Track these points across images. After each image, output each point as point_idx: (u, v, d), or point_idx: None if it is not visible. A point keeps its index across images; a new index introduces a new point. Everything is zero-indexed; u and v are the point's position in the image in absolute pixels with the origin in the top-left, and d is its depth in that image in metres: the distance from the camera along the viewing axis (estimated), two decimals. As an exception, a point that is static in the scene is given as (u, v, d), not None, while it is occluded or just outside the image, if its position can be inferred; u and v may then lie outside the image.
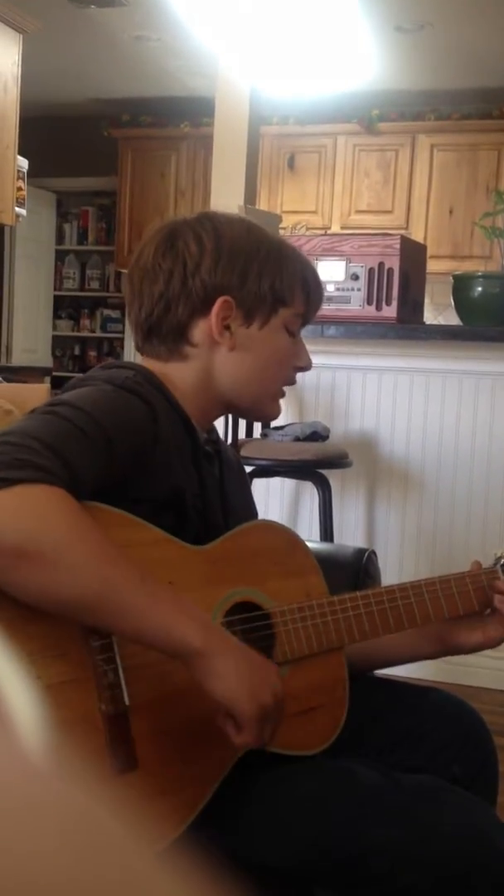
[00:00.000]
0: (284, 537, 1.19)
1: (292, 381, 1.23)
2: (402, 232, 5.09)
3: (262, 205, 6.12)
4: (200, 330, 1.14)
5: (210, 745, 1.00)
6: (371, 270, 2.88)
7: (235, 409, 1.26)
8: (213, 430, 1.26)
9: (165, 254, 1.14)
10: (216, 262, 1.13)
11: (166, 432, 1.08)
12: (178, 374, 1.15)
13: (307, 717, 1.11)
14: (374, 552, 1.62)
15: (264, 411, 1.23)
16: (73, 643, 0.94)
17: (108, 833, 0.23)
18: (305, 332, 1.24)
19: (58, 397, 1.05)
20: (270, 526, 1.19)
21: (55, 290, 7.42)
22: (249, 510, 1.31)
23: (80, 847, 0.21)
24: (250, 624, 1.09)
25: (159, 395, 1.10)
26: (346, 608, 1.15)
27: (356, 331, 2.90)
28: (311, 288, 1.20)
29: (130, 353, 7.22)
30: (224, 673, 0.93)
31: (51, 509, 0.90)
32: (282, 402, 1.25)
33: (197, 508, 1.12)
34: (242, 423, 2.93)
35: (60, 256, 7.44)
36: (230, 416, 2.75)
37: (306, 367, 1.22)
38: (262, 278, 1.14)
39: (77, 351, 7.55)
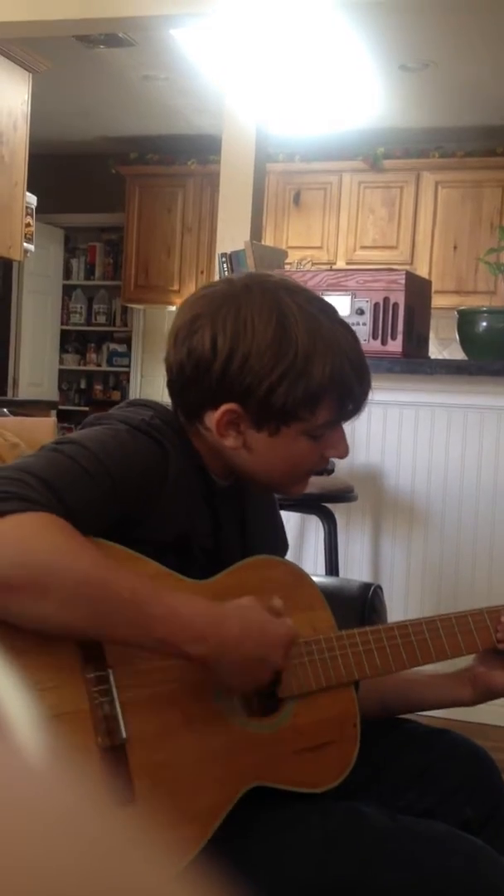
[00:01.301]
0: (288, 571, 1.17)
1: (321, 467, 1.17)
2: (407, 267, 5.14)
3: (268, 240, 6.17)
4: (210, 419, 1.10)
5: (212, 780, 0.99)
6: (376, 305, 2.89)
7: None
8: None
9: (185, 340, 1.09)
10: (224, 370, 1.06)
11: (176, 475, 1.07)
12: (197, 437, 1.14)
13: (316, 754, 1.09)
14: (379, 587, 1.61)
15: (281, 493, 1.20)
16: (69, 675, 0.94)
17: (120, 847, 0.22)
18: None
19: (67, 435, 1.05)
20: (274, 561, 1.18)
21: (62, 324, 7.47)
22: (276, 546, 1.28)
23: (92, 861, 0.21)
24: None
25: (176, 438, 1.09)
26: (356, 643, 1.13)
27: (361, 365, 2.90)
28: (348, 387, 1.09)
29: (137, 387, 7.24)
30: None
31: (35, 536, 0.91)
32: None
33: (207, 550, 1.11)
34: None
35: (67, 291, 7.49)
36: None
37: (339, 458, 1.15)
38: (273, 395, 1.05)
39: (83, 385, 7.58)
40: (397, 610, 2.95)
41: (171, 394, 1.15)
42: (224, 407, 1.07)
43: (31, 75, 4.80)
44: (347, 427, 1.15)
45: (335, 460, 2.89)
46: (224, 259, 3.66)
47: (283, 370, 1.05)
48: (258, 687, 1.01)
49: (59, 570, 0.90)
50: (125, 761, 0.95)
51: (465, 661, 1.25)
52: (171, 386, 1.14)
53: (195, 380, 1.09)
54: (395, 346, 2.89)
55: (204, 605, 0.98)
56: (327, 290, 2.93)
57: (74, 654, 0.95)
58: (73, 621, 0.91)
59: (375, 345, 2.89)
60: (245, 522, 1.21)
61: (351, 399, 1.11)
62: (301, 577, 1.17)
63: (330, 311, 1.11)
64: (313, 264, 5.87)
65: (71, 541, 0.92)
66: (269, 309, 1.06)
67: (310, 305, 1.09)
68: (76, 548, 0.92)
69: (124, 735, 0.95)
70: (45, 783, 0.24)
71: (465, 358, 3.04)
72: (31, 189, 5.00)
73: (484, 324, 2.98)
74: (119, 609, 0.92)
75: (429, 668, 1.21)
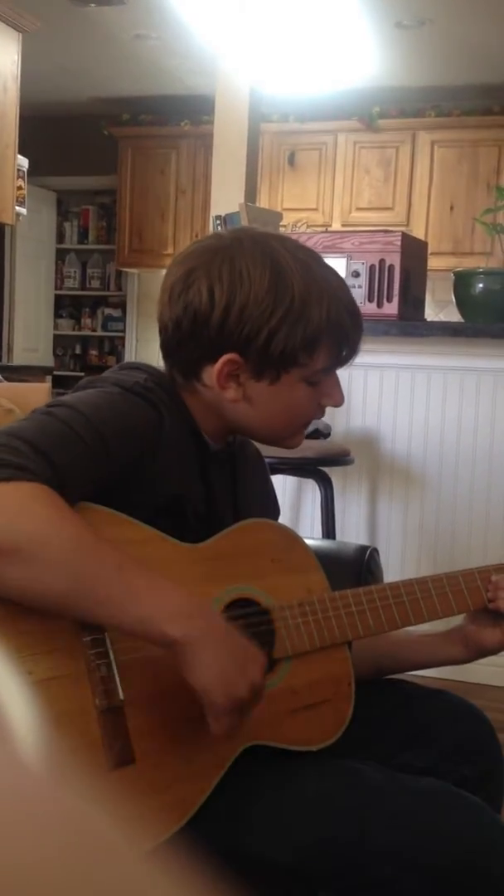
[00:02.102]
0: (282, 535, 1.17)
1: (318, 417, 1.19)
2: (403, 229, 5.09)
3: (263, 202, 6.12)
4: (209, 374, 1.10)
5: (210, 739, 1.00)
6: (372, 267, 2.88)
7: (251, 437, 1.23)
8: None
9: (180, 295, 1.09)
10: (223, 321, 1.06)
11: (171, 439, 1.06)
12: (192, 397, 1.13)
13: (311, 712, 1.10)
14: (376, 550, 1.61)
15: (280, 445, 1.20)
16: (65, 638, 0.94)
17: (104, 838, 0.22)
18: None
19: (59, 398, 1.04)
20: (267, 524, 1.18)
21: (56, 289, 7.42)
22: (267, 510, 1.28)
23: (76, 853, 0.21)
24: (249, 619, 1.08)
25: (170, 400, 1.09)
26: (349, 604, 1.14)
27: (357, 328, 2.89)
28: (344, 331, 1.11)
29: (132, 352, 7.22)
30: (201, 664, 0.92)
31: (26, 505, 0.90)
32: None
33: (200, 515, 1.11)
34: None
35: (61, 255, 7.44)
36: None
37: (335, 405, 1.16)
38: (273, 341, 1.06)
39: (78, 350, 7.55)
40: (394, 572, 2.96)
41: (167, 353, 1.14)
42: (224, 358, 1.07)
43: (20, 35, 4.72)
44: (344, 392, 1.17)
45: (332, 424, 2.89)
46: (219, 222, 3.63)
47: (282, 315, 1.06)
48: (233, 698, 0.94)
49: (47, 540, 0.89)
50: (123, 722, 0.95)
51: (457, 620, 1.26)
52: (167, 344, 1.13)
53: (193, 334, 1.08)
54: (391, 308, 2.88)
55: (190, 592, 0.97)
56: (323, 252, 2.90)
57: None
58: (56, 593, 0.91)
59: (371, 307, 2.88)
60: (237, 488, 1.21)
61: (346, 343, 1.12)
62: (294, 540, 1.18)
63: (319, 258, 1.13)
64: (309, 226, 5.82)
65: (60, 513, 0.91)
66: (263, 257, 1.07)
67: (300, 253, 1.10)
68: (65, 520, 0.91)
69: (122, 696, 0.95)
70: (24, 769, 0.24)
71: (462, 320, 3.03)
72: (22, 152, 4.94)
73: (480, 285, 2.96)
74: (103, 585, 0.91)
75: (421, 628, 1.22)
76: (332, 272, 1.13)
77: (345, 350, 1.13)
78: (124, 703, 0.95)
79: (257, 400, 1.10)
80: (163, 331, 1.13)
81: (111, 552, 0.93)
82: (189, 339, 1.09)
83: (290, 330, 1.07)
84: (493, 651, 1.23)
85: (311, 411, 1.15)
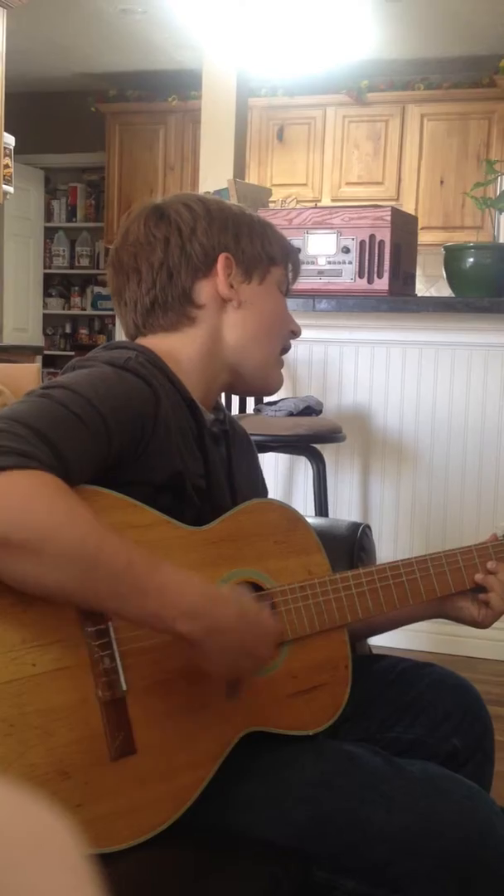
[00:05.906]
0: (285, 515, 1.17)
1: (288, 347, 1.26)
2: (393, 203, 5.06)
3: (252, 178, 6.08)
4: (205, 292, 1.16)
5: (209, 728, 1.00)
6: (362, 243, 2.86)
7: (240, 378, 1.22)
8: (221, 409, 1.24)
9: (158, 224, 1.16)
10: (210, 223, 1.16)
11: (168, 414, 1.06)
12: (182, 344, 1.14)
13: (309, 696, 1.10)
14: (368, 526, 1.61)
15: (268, 379, 1.23)
16: (69, 630, 0.93)
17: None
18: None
19: (55, 380, 1.02)
20: (270, 504, 1.17)
21: (45, 267, 7.38)
22: (257, 488, 1.29)
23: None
24: None
25: (162, 376, 1.08)
26: (349, 586, 1.14)
27: (348, 304, 2.89)
28: (292, 253, 1.25)
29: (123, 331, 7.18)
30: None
31: (34, 496, 0.88)
32: None
33: (200, 490, 1.10)
34: (236, 399, 2.93)
35: (49, 234, 7.38)
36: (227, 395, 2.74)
37: (297, 331, 1.26)
38: (252, 238, 1.19)
39: (68, 329, 7.52)
40: (386, 549, 2.97)
41: (154, 303, 1.16)
42: (222, 257, 1.15)
43: (5, 11, 4.66)
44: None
45: (323, 401, 2.88)
46: (207, 198, 3.60)
47: (249, 219, 1.20)
48: (241, 676, 0.99)
49: (56, 533, 0.87)
50: (125, 713, 0.95)
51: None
52: (153, 290, 1.16)
53: (182, 251, 1.15)
54: (382, 284, 2.86)
55: (201, 583, 0.96)
56: (312, 227, 2.89)
57: (74, 608, 0.94)
58: (64, 586, 0.89)
59: (361, 283, 2.87)
60: (231, 463, 1.21)
61: (294, 262, 1.25)
62: (297, 520, 1.17)
63: None
64: (298, 202, 5.79)
65: (68, 504, 0.89)
66: (212, 196, 1.22)
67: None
68: (73, 512, 0.89)
69: (124, 687, 0.94)
70: None
71: (453, 295, 3.02)
72: (8, 129, 4.89)
73: (471, 260, 2.95)
74: (112, 579, 0.90)
75: None
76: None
77: (293, 265, 1.25)
78: (126, 694, 0.95)
79: (249, 305, 1.18)
80: (144, 279, 1.16)
81: (120, 547, 0.91)
82: (180, 262, 1.15)
83: (259, 230, 1.20)
84: (468, 624, 1.24)
85: (286, 327, 1.24)
